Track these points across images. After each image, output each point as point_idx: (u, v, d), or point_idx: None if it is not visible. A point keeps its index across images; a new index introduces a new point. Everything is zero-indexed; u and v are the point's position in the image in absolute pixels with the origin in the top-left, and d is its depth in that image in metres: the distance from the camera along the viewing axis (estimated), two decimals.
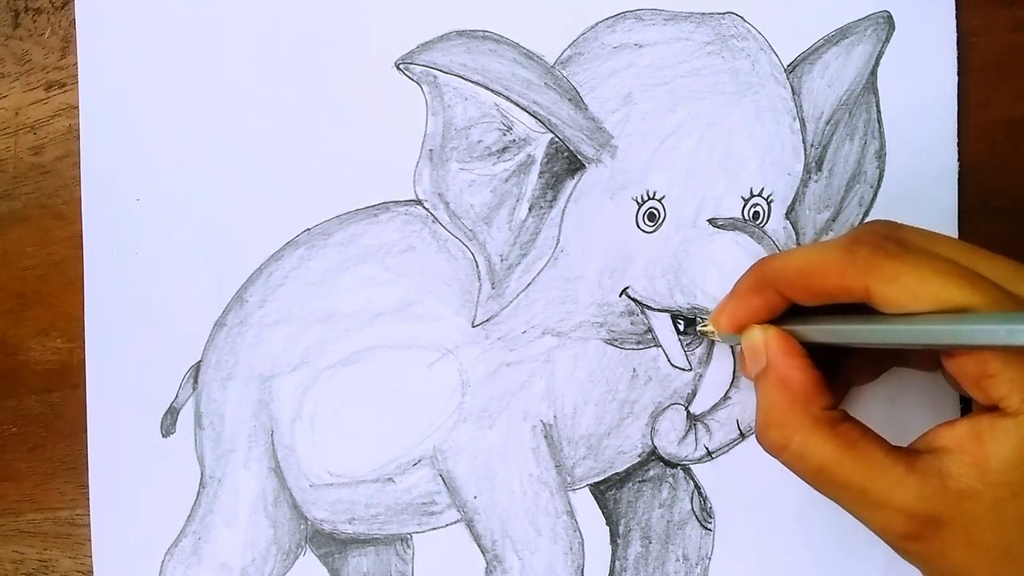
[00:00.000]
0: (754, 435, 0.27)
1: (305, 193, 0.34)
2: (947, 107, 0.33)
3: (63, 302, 0.36)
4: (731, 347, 0.33)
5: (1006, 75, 0.33)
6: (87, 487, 0.35)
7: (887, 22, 0.32)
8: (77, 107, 0.35)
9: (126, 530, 0.35)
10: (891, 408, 0.33)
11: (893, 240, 0.24)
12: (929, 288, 0.23)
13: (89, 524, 0.35)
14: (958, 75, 0.33)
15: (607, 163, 0.32)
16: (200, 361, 0.35)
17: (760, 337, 0.27)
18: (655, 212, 0.32)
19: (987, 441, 0.23)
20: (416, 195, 0.33)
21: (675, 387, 0.33)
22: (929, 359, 0.29)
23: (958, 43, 0.33)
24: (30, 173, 0.36)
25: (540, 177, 0.32)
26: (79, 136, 0.35)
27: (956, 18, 0.33)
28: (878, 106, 0.33)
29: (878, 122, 0.33)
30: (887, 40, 0.32)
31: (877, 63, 0.33)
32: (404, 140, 0.33)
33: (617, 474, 0.34)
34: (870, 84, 0.33)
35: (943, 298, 0.23)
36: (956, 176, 0.33)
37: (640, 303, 0.33)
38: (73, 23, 0.35)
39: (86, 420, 0.35)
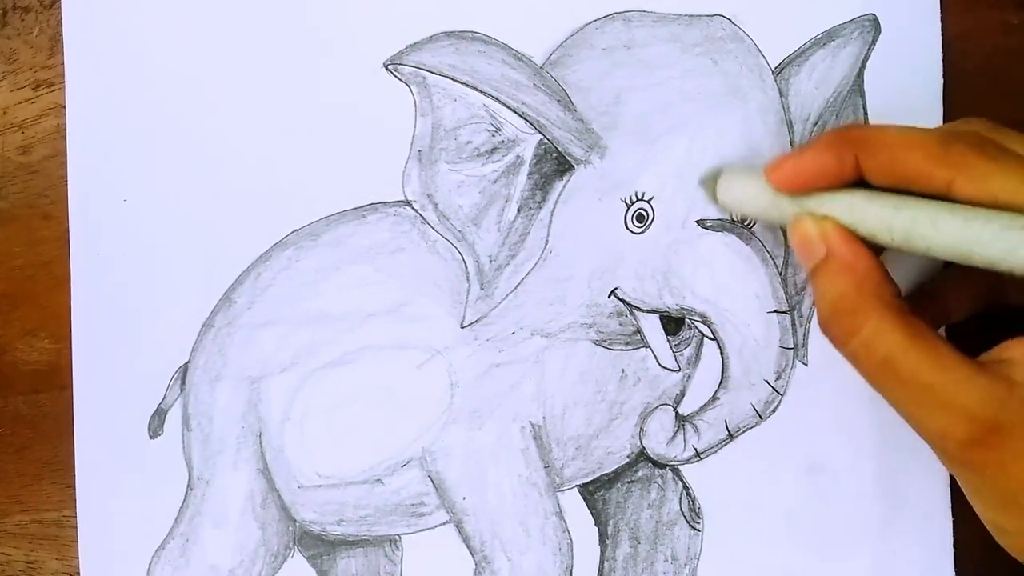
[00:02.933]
0: (819, 327, 0.26)
1: (294, 194, 0.34)
2: (933, 110, 0.33)
3: (51, 302, 0.36)
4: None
5: (993, 79, 0.34)
6: (74, 488, 0.35)
7: (873, 25, 0.33)
8: (65, 107, 0.35)
9: (113, 532, 0.35)
10: (878, 413, 0.33)
11: (992, 142, 0.24)
12: (1016, 195, 0.22)
13: (76, 526, 0.35)
14: (945, 79, 0.33)
15: (596, 164, 0.32)
16: (188, 362, 0.35)
17: (814, 227, 0.26)
18: (644, 213, 0.32)
19: None
20: (405, 196, 0.33)
21: (664, 388, 0.34)
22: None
23: (946, 47, 0.33)
24: (18, 173, 0.36)
25: (529, 178, 0.32)
26: (67, 136, 0.35)
27: (942, 22, 0.33)
28: (865, 108, 0.33)
29: (865, 124, 0.33)
30: (873, 43, 0.33)
31: (863, 66, 0.33)
32: (393, 141, 0.33)
33: (606, 475, 0.34)
34: (857, 86, 0.33)
35: None
36: None
37: (629, 304, 0.33)
38: (61, 22, 0.35)
39: (73, 421, 0.35)
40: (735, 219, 0.32)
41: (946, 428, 0.23)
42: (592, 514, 0.34)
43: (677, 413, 0.33)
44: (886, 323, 0.24)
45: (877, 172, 0.25)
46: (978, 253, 0.23)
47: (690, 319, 0.33)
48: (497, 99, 0.32)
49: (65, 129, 0.35)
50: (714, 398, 0.33)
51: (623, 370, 0.33)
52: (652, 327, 0.33)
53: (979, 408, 0.22)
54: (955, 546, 0.33)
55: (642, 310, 0.33)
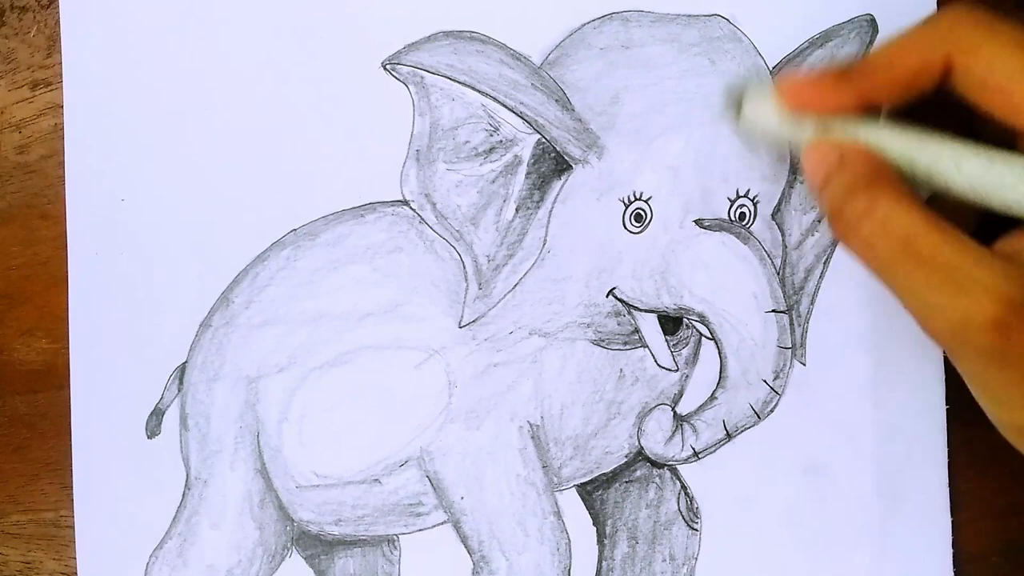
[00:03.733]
0: (828, 219, 0.25)
1: (291, 193, 0.34)
2: None
3: (48, 302, 0.36)
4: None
5: None
6: (72, 488, 0.35)
7: (870, 25, 0.33)
8: (62, 106, 0.35)
9: (111, 532, 0.35)
10: (877, 413, 0.33)
11: (976, 11, 0.23)
12: (1009, 62, 0.22)
13: (73, 526, 0.35)
14: None
15: (594, 164, 0.32)
16: (186, 362, 0.34)
17: (828, 143, 0.25)
18: (642, 213, 0.32)
19: None
20: (403, 196, 0.33)
21: (662, 387, 0.34)
22: None
23: None
24: (15, 172, 0.36)
25: (527, 178, 0.32)
26: (64, 135, 0.35)
27: None
28: None
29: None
30: (870, 43, 0.33)
31: None
32: (391, 140, 0.33)
33: (604, 474, 0.34)
34: None
35: (1021, 76, 0.22)
36: None
37: (627, 304, 0.33)
38: (59, 22, 0.35)
39: (71, 421, 0.35)
40: (732, 219, 0.32)
41: (969, 311, 0.21)
42: (590, 514, 0.34)
43: (675, 413, 0.33)
44: (904, 202, 0.23)
45: (882, 89, 0.25)
46: (998, 197, 0.23)
47: (688, 319, 0.33)
48: (495, 99, 0.32)
49: (63, 129, 0.35)
50: (712, 398, 0.33)
51: (621, 370, 0.33)
52: (650, 327, 0.33)
53: (1004, 287, 0.21)
54: (954, 545, 0.33)
55: (640, 310, 0.33)
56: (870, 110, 0.26)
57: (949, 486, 0.33)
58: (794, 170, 0.33)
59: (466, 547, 0.34)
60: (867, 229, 0.23)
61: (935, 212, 0.23)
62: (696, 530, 0.34)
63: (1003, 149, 0.24)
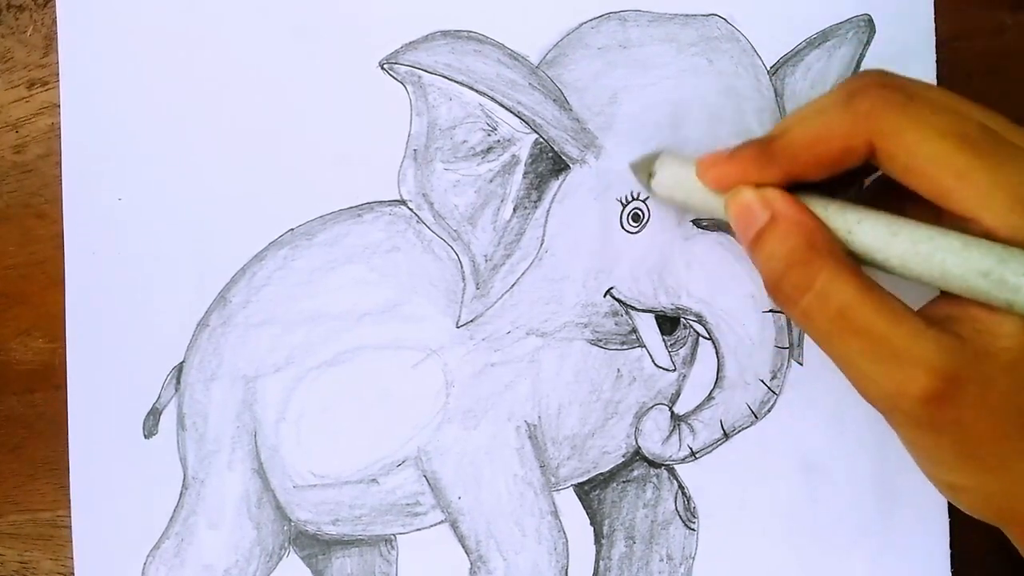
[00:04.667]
0: (768, 290, 0.25)
1: (289, 193, 0.34)
2: None
3: (45, 302, 0.36)
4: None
5: (987, 79, 0.34)
6: (69, 488, 0.35)
7: (868, 25, 0.33)
8: (59, 106, 0.35)
9: (108, 532, 0.35)
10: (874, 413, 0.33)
11: (893, 88, 0.23)
12: (931, 147, 0.22)
13: (71, 526, 0.35)
14: (939, 79, 0.33)
15: (592, 164, 0.32)
16: (183, 362, 0.34)
17: (755, 194, 0.25)
18: (640, 213, 0.32)
19: (996, 309, 0.22)
20: (400, 195, 0.33)
21: (659, 387, 0.34)
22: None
23: (939, 47, 0.33)
24: (12, 172, 0.36)
25: (525, 177, 0.32)
26: (61, 135, 0.35)
27: (936, 22, 0.33)
28: None
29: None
30: (868, 43, 0.33)
31: (858, 66, 0.33)
32: (388, 140, 0.33)
33: (601, 474, 0.34)
34: None
35: (944, 161, 0.22)
36: None
37: (624, 303, 0.33)
38: (55, 21, 0.35)
39: (68, 421, 0.35)
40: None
41: (903, 383, 0.22)
42: (588, 513, 0.34)
43: (672, 413, 0.33)
44: (840, 275, 0.23)
45: (808, 171, 0.25)
46: (926, 273, 0.23)
47: (685, 319, 0.33)
48: (493, 98, 0.32)
49: (59, 128, 0.35)
50: (709, 398, 0.33)
51: (619, 370, 0.33)
52: (648, 327, 0.33)
53: (937, 360, 0.22)
54: (952, 545, 0.33)
55: (638, 309, 0.33)
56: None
57: None
58: None
59: (463, 547, 0.34)
60: (804, 302, 0.24)
61: (871, 281, 0.23)
62: (693, 530, 0.34)
63: (929, 225, 0.23)
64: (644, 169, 0.30)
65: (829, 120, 0.24)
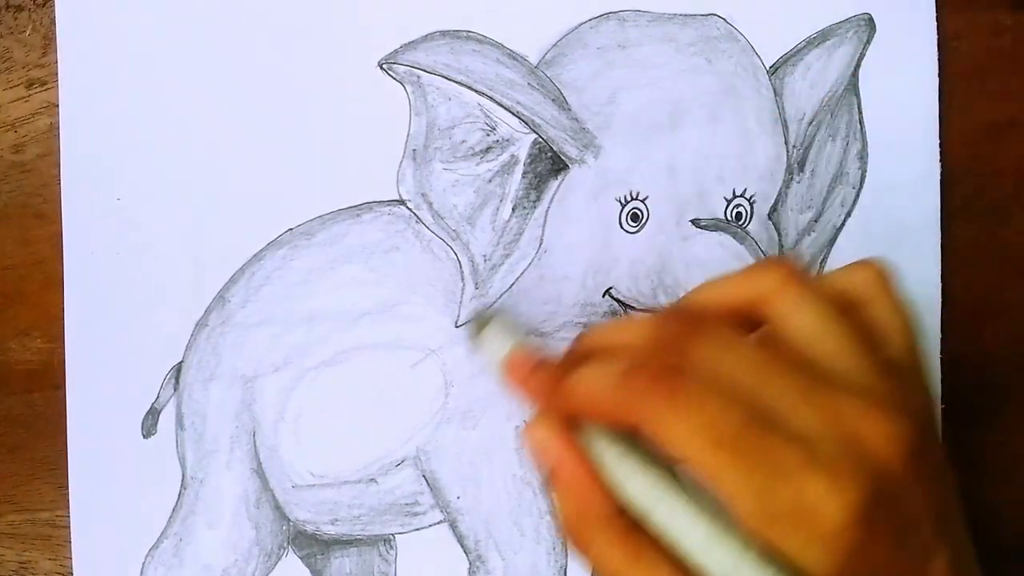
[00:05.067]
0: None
1: (287, 193, 0.34)
2: (929, 109, 0.33)
3: (44, 302, 0.36)
4: None
5: (988, 78, 0.34)
6: (67, 488, 0.35)
7: (868, 24, 0.33)
8: (58, 105, 0.35)
9: (107, 532, 0.35)
10: None
11: (665, 370, 0.22)
12: (688, 445, 0.21)
13: (69, 526, 0.35)
14: (940, 78, 0.33)
15: (590, 163, 0.32)
16: (182, 362, 0.34)
17: (542, 437, 0.25)
18: (638, 212, 0.32)
19: None
20: (399, 195, 0.33)
21: None
22: None
23: (940, 47, 0.33)
24: (10, 171, 0.36)
25: (524, 177, 0.32)
26: (60, 135, 0.35)
27: (937, 21, 0.33)
28: (860, 108, 0.33)
29: (860, 123, 0.33)
30: (868, 42, 0.33)
31: (858, 65, 0.33)
32: (387, 140, 0.33)
33: None
34: (851, 86, 0.33)
35: (698, 459, 0.21)
36: (939, 178, 0.33)
37: (624, 303, 0.33)
38: (54, 21, 0.35)
39: (67, 421, 0.35)
40: (729, 218, 0.32)
41: None
42: None
43: None
44: (610, 544, 0.23)
45: (585, 418, 0.25)
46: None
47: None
48: (492, 98, 0.32)
49: (58, 128, 0.35)
50: None
51: None
52: None
53: None
54: None
55: (636, 309, 0.33)
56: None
57: None
58: (790, 170, 0.33)
59: (462, 547, 0.34)
60: (590, 557, 0.24)
61: (641, 545, 0.23)
62: None
63: (688, 501, 0.23)
64: (478, 325, 0.30)
65: (604, 388, 0.24)
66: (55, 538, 0.36)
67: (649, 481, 0.23)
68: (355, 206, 0.34)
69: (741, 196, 0.32)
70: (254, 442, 0.34)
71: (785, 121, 0.33)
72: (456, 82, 0.32)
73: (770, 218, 0.33)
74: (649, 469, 0.24)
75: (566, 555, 0.34)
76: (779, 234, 0.33)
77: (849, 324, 0.23)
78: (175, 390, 0.34)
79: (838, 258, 0.33)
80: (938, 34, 0.33)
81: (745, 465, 0.21)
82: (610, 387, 0.23)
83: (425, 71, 0.32)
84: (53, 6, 0.35)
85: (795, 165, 0.33)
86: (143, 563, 0.35)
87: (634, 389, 0.23)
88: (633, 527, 0.24)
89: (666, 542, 0.23)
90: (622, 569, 0.23)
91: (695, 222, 0.32)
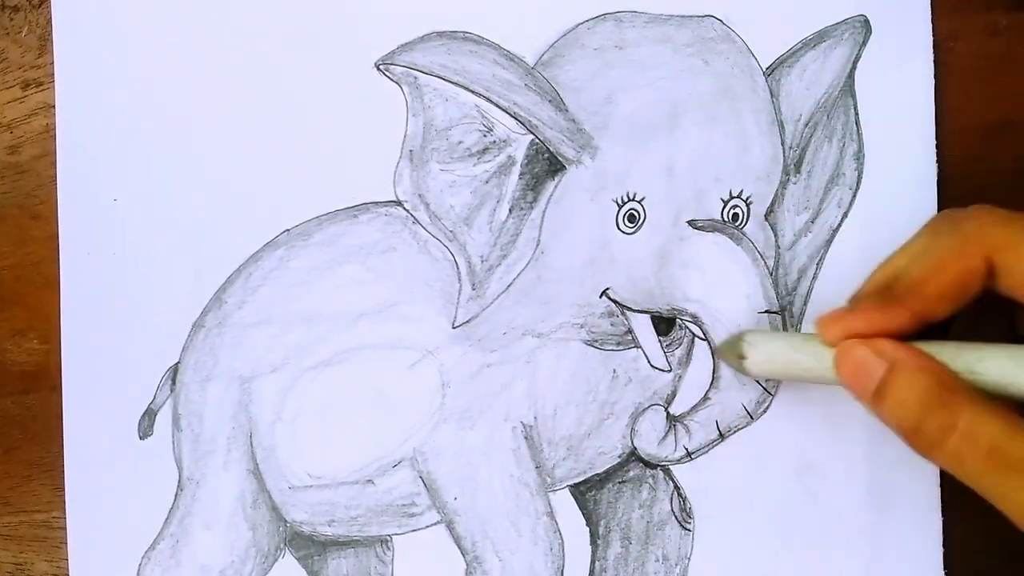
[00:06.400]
0: (905, 437, 0.25)
1: (285, 194, 0.34)
2: (925, 110, 0.33)
3: (40, 303, 0.36)
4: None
5: (983, 79, 0.34)
6: (63, 489, 0.35)
7: (864, 26, 0.33)
8: (54, 106, 0.35)
9: (103, 533, 0.35)
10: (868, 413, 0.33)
11: (991, 209, 0.24)
12: None
13: (65, 527, 0.35)
14: (936, 79, 0.33)
15: (587, 164, 0.32)
16: (178, 362, 0.34)
17: (866, 349, 0.25)
18: (635, 213, 0.32)
19: None
20: (396, 196, 0.33)
21: (655, 388, 0.34)
22: None
23: (936, 48, 0.33)
24: (7, 172, 0.36)
25: (520, 178, 0.32)
26: (56, 135, 0.35)
27: (932, 23, 0.33)
28: (856, 109, 0.33)
29: (856, 125, 0.33)
30: (864, 44, 0.33)
31: (854, 66, 0.33)
32: (384, 141, 0.33)
33: (597, 475, 0.34)
34: (848, 87, 0.33)
35: None
36: (935, 179, 0.33)
37: (620, 304, 0.33)
38: (50, 21, 0.35)
39: (63, 422, 0.35)
40: (725, 219, 0.32)
41: None
42: (583, 514, 0.34)
43: (668, 413, 0.33)
44: (983, 412, 0.23)
45: (933, 309, 0.24)
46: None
47: (681, 319, 0.33)
48: (488, 99, 0.32)
49: (55, 129, 0.35)
50: (705, 398, 0.33)
51: (614, 370, 0.33)
52: (643, 327, 0.33)
53: None
54: (945, 545, 0.33)
55: (633, 310, 0.33)
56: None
57: (940, 485, 0.33)
58: (787, 171, 0.33)
59: (459, 548, 0.34)
60: (952, 443, 0.23)
61: (1014, 414, 0.23)
62: (689, 530, 0.34)
63: None
64: (732, 352, 0.30)
65: (940, 249, 0.24)
66: (51, 539, 0.36)
67: (1002, 351, 0.23)
68: (352, 207, 0.34)
69: (738, 197, 0.32)
70: (251, 443, 0.34)
71: (781, 122, 0.33)
72: (453, 83, 0.32)
73: (767, 219, 0.33)
74: (990, 345, 0.24)
75: (563, 556, 0.34)
76: (776, 235, 0.33)
77: None
78: (172, 391, 0.34)
79: (835, 259, 0.33)
80: (934, 35, 0.33)
81: None
82: (946, 241, 0.24)
83: (422, 72, 0.32)
84: (49, 7, 0.35)
85: (792, 166, 0.33)
86: (139, 564, 0.35)
87: (971, 229, 0.24)
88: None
89: None
90: (1002, 440, 0.22)
91: (692, 223, 0.32)
